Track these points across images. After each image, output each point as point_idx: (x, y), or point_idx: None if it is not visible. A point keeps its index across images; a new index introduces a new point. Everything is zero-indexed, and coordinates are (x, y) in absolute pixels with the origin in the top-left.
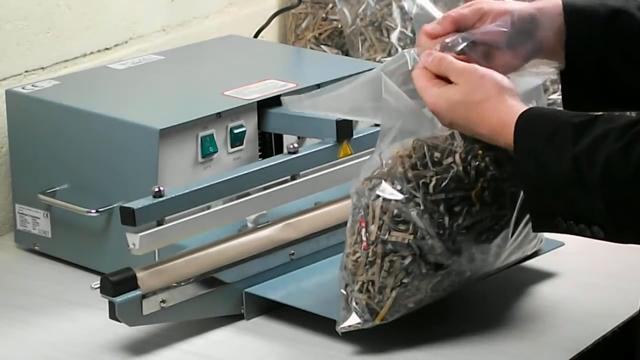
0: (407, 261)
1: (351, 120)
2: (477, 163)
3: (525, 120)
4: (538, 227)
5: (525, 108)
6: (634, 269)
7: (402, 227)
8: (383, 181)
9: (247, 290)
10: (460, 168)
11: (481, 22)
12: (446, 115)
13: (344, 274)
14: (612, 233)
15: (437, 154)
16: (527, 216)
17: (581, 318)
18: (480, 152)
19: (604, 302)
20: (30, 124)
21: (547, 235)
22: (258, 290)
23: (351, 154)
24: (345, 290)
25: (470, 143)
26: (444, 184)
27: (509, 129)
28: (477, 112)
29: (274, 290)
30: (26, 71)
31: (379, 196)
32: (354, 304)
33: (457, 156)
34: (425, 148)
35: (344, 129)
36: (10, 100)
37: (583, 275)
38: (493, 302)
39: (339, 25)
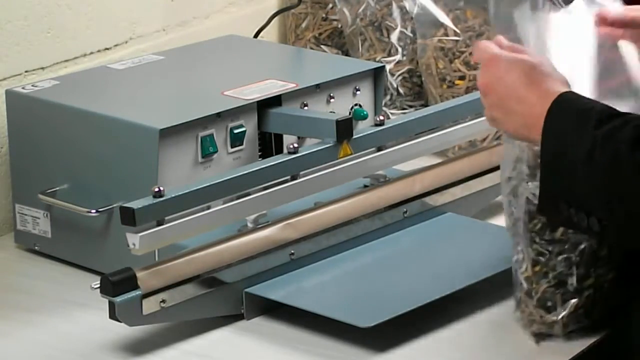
0: None
1: (351, 120)
2: None
3: (563, 100)
4: (543, 209)
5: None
6: None
7: None
8: None
9: (247, 290)
10: None
11: None
12: (502, 70)
13: None
14: (607, 227)
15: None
16: None
17: None
18: None
19: None
20: (30, 124)
21: None
22: (258, 290)
23: (351, 154)
24: None
25: None
26: None
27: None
28: (537, 80)
29: (274, 290)
30: (26, 71)
31: None
32: None
33: None
34: None
35: (344, 129)
36: (10, 100)
37: None
38: (493, 302)
39: (339, 25)
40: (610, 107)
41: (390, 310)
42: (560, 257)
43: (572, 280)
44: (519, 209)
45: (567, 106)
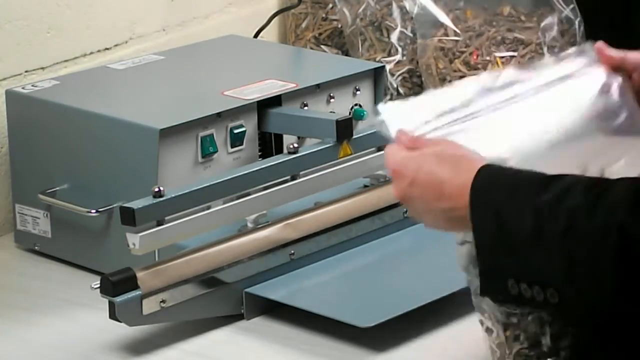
0: None
1: (351, 120)
2: None
3: (486, 174)
4: (487, 290)
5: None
6: None
7: None
8: None
9: (247, 290)
10: None
11: None
12: (410, 172)
13: None
14: (568, 297)
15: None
16: None
17: None
18: None
19: None
20: (30, 124)
21: None
22: (258, 290)
23: (351, 154)
24: None
25: None
26: None
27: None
28: (449, 162)
29: (274, 290)
30: (26, 71)
31: None
32: None
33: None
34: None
35: (344, 129)
36: (10, 100)
37: None
38: None
39: (339, 25)
40: (541, 173)
41: (390, 310)
42: (531, 317)
43: (546, 340)
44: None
45: (492, 181)
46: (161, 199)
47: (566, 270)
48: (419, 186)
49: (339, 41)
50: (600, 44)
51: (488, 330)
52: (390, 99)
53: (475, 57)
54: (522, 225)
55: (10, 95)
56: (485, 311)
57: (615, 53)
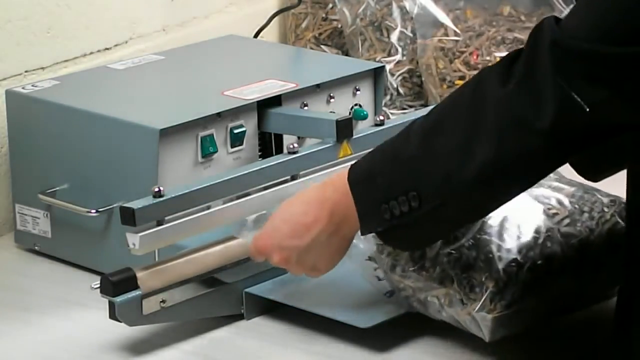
0: None
1: (351, 120)
2: None
3: (355, 163)
4: (367, 226)
5: None
6: None
7: None
8: None
9: (247, 290)
10: None
11: None
12: (272, 236)
13: None
14: (427, 198)
15: None
16: None
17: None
18: None
19: None
20: (30, 124)
21: None
22: (258, 290)
23: (351, 154)
24: None
25: None
26: None
27: (341, 175)
28: (291, 204)
29: (274, 290)
30: (26, 71)
31: None
32: None
33: None
34: None
35: (344, 128)
36: (10, 100)
37: None
38: None
39: (339, 25)
40: None
41: (390, 311)
42: (440, 259)
43: (467, 254)
44: (381, 263)
45: (364, 160)
46: (161, 199)
47: (420, 154)
48: (286, 237)
49: (339, 41)
50: None
51: (434, 305)
52: (391, 99)
53: (475, 57)
54: (385, 145)
55: (10, 95)
56: (420, 291)
57: None
